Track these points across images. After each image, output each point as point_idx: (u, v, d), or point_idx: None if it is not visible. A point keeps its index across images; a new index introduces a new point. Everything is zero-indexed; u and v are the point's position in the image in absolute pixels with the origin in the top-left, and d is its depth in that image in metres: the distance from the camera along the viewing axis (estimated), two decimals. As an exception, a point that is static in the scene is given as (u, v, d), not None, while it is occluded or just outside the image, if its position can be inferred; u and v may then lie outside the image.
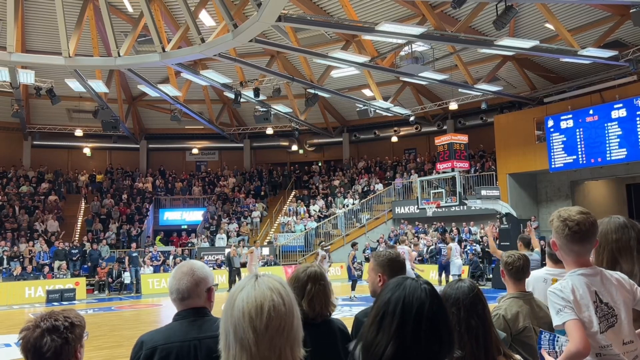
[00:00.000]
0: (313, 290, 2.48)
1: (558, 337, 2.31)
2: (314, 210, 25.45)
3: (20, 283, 17.99)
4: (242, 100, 19.90)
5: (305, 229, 24.02)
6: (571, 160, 18.84)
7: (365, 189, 25.77)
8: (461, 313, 1.98)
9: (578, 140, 18.62)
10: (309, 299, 2.45)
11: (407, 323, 1.38)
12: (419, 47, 16.50)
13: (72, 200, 25.68)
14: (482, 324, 1.98)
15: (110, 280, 19.58)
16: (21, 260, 19.76)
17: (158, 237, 24.77)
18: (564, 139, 18.98)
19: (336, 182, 26.97)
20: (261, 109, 21.43)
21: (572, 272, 2.34)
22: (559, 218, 2.35)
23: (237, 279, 19.00)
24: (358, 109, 21.49)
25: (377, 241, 22.80)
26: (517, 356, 2.11)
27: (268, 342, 1.29)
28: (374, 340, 1.41)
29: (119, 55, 15.93)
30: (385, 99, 21.41)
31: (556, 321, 2.27)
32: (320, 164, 29.78)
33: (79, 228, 24.12)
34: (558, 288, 2.30)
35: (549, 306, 2.35)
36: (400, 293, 1.43)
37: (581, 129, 18.55)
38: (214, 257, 21.62)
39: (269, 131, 26.22)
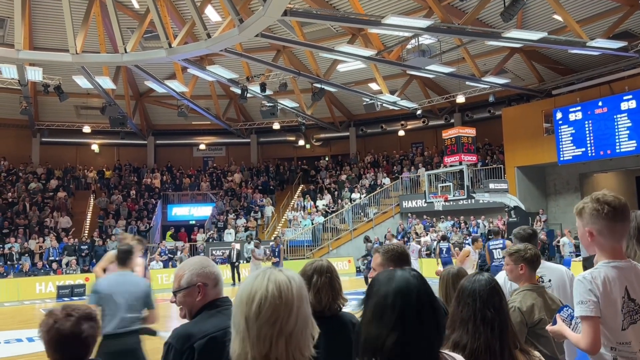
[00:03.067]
0: (319, 282, 2.50)
1: (578, 322, 2.31)
2: (322, 205, 25.43)
3: (31, 279, 18.15)
4: (248, 95, 19.90)
5: (313, 224, 24.04)
6: (580, 153, 18.71)
7: (372, 183, 25.74)
8: (477, 304, 1.99)
9: (587, 132, 18.48)
10: (315, 291, 2.48)
11: (408, 312, 1.40)
12: (426, 40, 16.41)
13: (80, 197, 25.83)
14: (498, 316, 1.98)
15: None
16: (31, 256, 19.97)
17: (169, 233, 24.90)
18: (573, 131, 18.84)
19: (343, 177, 26.95)
20: (267, 104, 21.42)
21: (606, 262, 2.25)
22: (593, 200, 2.25)
23: (235, 273, 19.16)
24: (365, 103, 21.43)
25: (385, 236, 22.80)
26: (536, 352, 2.09)
27: (257, 331, 1.32)
28: (373, 334, 1.41)
29: (126, 52, 15.97)
30: (392, 92, 21.33)
31: (577, 311, 2.25)
32: (327, 159, 29.75)
33: (88, 224, 24.27)
34: (588, 278, 2.23)
35: (573, 291, 2.30)
36: (396, 285, 1.44)
37: (590, 121, 18.41)
38: (221, 252, 21.68)
39: (276, 126, 26.21)
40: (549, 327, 2.48)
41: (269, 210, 25.63)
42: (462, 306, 2.04)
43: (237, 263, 19.38)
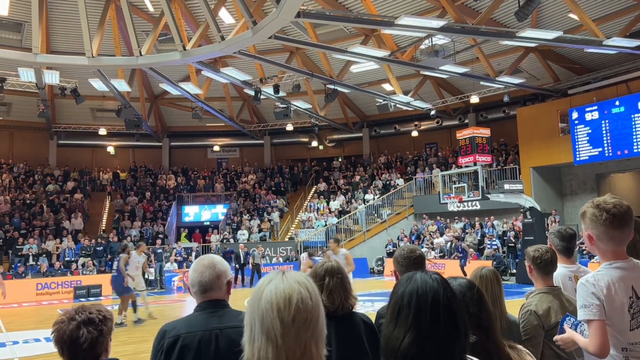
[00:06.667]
0: (331, 283, 2.55)
1: (582, 324, 2.30)
2: (335, 206, 25.41)
3: (48, 279, 18.40)
4: (262, 97, 19.98)
5: (326, 225, 24.05)
6: (596, 153, 18.48)
7: (386, 183, 25.67)
8: (470, 309, 1.93)
9: (604, 132, 18.25)
10: (328, 292, 2.52)
11: (423, 313, 1.40)
12: (440, 40, 16.33)
13: (96, 198, 26.15)
14: (489, 319, 1.95)
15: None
16: (48, 257, 20.26)
17: (184, 234, 25.12)
18: (589, 131, 18.62)
19: (357, 178, 26.92)
20: (281, 105, 21.49)
21: (608, 264, 2.25)
22: (593, 205, 2.24)
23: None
24: (378, 104, 21.39)
25: (398, 237, 22.74)
26: (520, 346, 2.07)
27: (294, 334, 1.29)
28: (391, 334, 1.42)
29: (141, 55, 16.12)
30: (406, 93, 21.27)
31: (580, 315, 2.25)
32: (340, 160, 29.75)
33: (104, 225, 24.55)
34: (591, 281, 2.23)
35: (577, 295, 2.30)
36: (413, 286, 1.45)
37: (607, 121, 18.18)
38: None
39: (289, 127, 26.28)
40: (557, 337, 2.45)
41: (275, 216, 25.56)
42: None
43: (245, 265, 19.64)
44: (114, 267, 13.85)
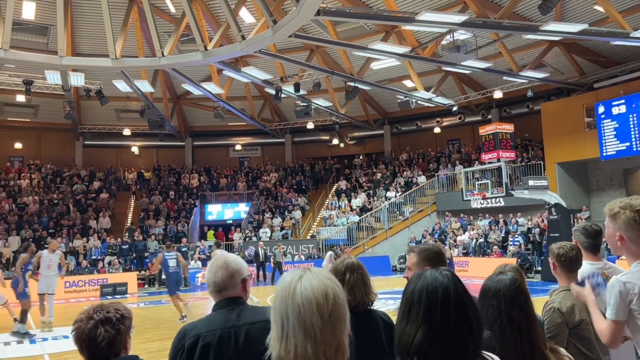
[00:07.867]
0: (352, 279, 2.57)
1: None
2: (357, 203, 25.37)
3: (75, 277, 18.80)
4: (282, 95, 20.04)
5: (348, 223, 24.03)
6: (624, 148, 18.08)
7: (408, 181, 25.52)
8: (502, 305, 1.90)
9: (631, 126, 17.84)
10: (349, 288, 2.53)
11: (434, 309, 1.41)
12: (461, 35, 16.14)
13: (122, 198, 26.58)
14: (525, 317, 1.90)
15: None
16: (76, 256, 20.69)
17: (211, 232, 25.43)
18: (616, 125, 18.22)
19: (379, 175, 26.82)
20: (302, 104, 21.53)
21: (639, 262, 2.35)
22: (632, 209, 2.33)
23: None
24: (399, 101, 21.26)
25: (422, 235, 22.59)
26: (562, 349, 2.03)
27: (331, 329, 1.32)
28: (403, 330, 1.45)
29: (163, 55, 16.33)
30: (427, 89, 21.09)
31: (607, 313, 2.40)
32: (361, 157, 29.68)
33: (129, 224, 24.93)
34: (621, 280, 2.32)
35: (607, 293, 2.42)
36: (423, 282, 1.47)
37: (635, 115, 17.77)
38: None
39: (310, 126, 26.31)
40: (574, 287, 2.59)
41: (297, 214, 25.65)
42: (486, 307, 1.94)
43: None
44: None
